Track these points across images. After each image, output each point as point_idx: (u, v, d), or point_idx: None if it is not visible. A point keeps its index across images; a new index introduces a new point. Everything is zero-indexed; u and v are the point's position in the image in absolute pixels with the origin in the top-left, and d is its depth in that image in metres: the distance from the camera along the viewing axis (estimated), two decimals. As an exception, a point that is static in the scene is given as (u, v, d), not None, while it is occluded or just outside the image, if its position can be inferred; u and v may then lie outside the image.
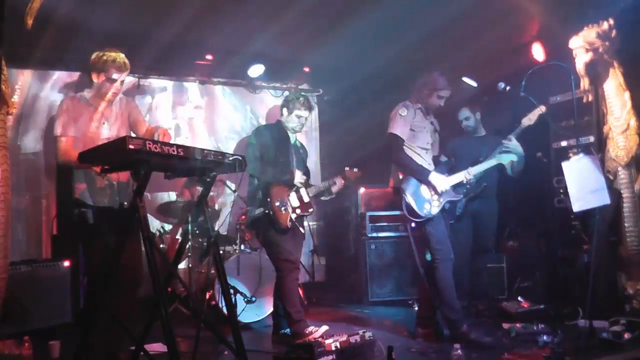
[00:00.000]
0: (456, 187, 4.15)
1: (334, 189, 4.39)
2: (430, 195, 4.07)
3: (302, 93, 4.63)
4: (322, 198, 4.50)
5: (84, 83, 3.80)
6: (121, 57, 3.50)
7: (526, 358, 3.34)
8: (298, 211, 4.19)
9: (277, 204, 4.10)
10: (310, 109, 4.36)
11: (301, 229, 4.26)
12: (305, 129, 6.76)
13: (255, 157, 4.12)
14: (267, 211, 4.07)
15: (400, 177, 4.17)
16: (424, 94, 4.17)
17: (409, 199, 4.04)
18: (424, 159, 4.18)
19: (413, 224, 4.09)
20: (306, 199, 4.26)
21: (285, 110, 4.32)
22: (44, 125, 5.43)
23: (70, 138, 3.39)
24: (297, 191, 4.24)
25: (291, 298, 4.06)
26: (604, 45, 3.84)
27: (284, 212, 4.11)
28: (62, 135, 3.39)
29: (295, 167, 4.30)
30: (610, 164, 4.00)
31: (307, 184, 4.33)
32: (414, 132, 4.16)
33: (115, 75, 3.45)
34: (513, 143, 4.24)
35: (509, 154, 4.24)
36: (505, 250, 5.44)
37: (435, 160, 4.29)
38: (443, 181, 4.06)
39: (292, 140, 4.39)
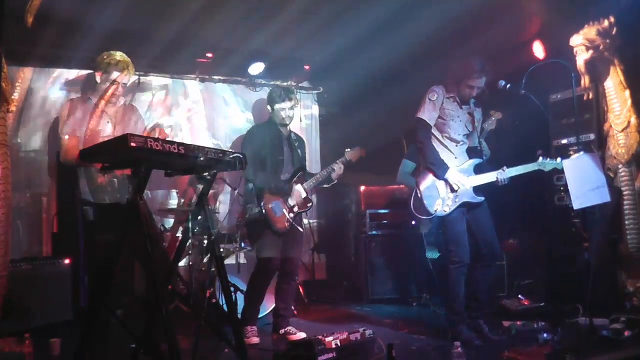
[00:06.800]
0: (478, 189, 3.87)
1: (334, 175, 4.28)
2: (446, 193, 3.82)
3: (278, 85, 4.61)
4: (325, 186, 4.44)
5: (90, 82, 3.82)
6: (125, 59, 3.53)
7: (527, 356, 3.34)
8: (296, 209, 4.21)
9: (271, 206, 4.12)
10: (290, 99, 4.31)
11: (300, 228, 4.26)
12: (304, 125, 6.86)
13: (249, 162, 4.11)
14: (262, 212, 4.09)
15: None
16: (452, 82, 3.87)
17: (421, 193, 3.85)
18: (452, 152, 3.90)
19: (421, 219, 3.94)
20: (303, 195, 4.25)
21: (269, 108, 4.35)
22: (44, 123, 5.41)
23: (73, 138, 3.42)
24: (293, 191, 4.23)
25: (251, 295, 4.20)
26: (605, 43, 3.85)
27: (279, 215, 4.12)
28: (65, 135, 3.43)
29: (291, 163, 4.30)
30: (610, 162, 4.01)
31: (302, 179, 4.30)
32: (444, 120, 3.87)
33: (116, 77, 3.47)
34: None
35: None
36: (505, 248, 5.44)
37: (471, 153, 3.95)
38: (462, 180, 3.79)
39: (286, 135, 4.39)
